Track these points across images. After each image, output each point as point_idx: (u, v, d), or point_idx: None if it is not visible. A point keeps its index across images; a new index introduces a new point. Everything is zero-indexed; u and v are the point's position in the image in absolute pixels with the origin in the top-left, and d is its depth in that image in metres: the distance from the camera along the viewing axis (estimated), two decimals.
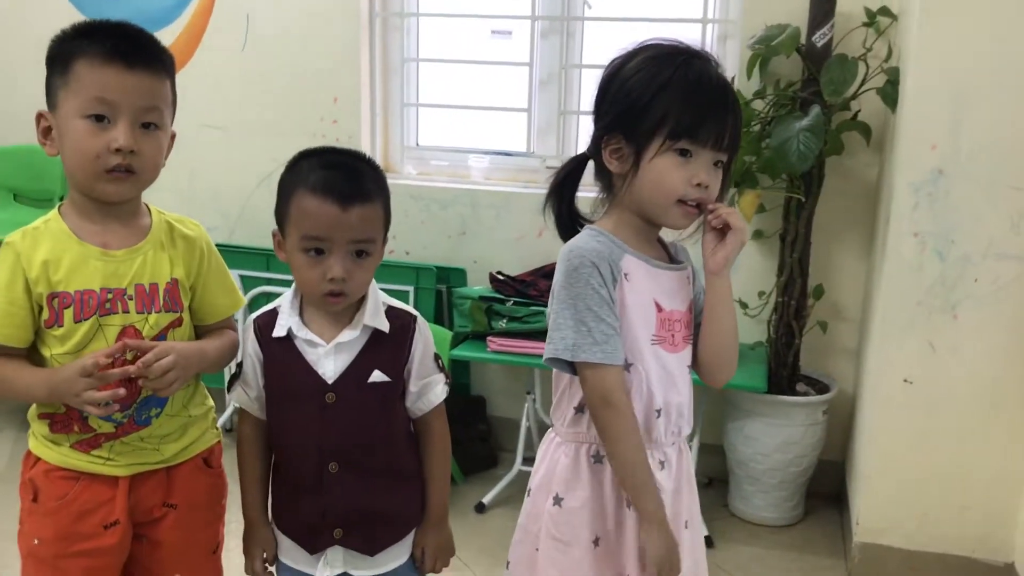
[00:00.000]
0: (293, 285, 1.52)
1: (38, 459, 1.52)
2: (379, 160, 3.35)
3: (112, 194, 1.44)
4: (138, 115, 1.42)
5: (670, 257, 1.53)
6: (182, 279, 1.52)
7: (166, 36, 3.28)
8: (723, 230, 1.43)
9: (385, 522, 1.54)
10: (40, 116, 1.46)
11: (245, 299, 3.15)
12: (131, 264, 1.47)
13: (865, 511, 2.54)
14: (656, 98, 1.39)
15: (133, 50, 1.42)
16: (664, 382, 1.46)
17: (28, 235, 1.46)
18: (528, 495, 1.55)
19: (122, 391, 1.41)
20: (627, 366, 1.43)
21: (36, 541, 1.51)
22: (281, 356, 1.49)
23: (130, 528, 1.53)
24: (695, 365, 1.53)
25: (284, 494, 1.56)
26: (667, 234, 1.53)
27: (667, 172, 1.39)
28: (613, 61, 1.47)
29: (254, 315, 1.54)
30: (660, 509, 1.42)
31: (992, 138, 2.26)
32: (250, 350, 1.52)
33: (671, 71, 1.40)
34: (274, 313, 1.51)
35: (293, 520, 1.55)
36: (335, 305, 1.45)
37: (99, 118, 1.40)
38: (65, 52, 1.42)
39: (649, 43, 1.46)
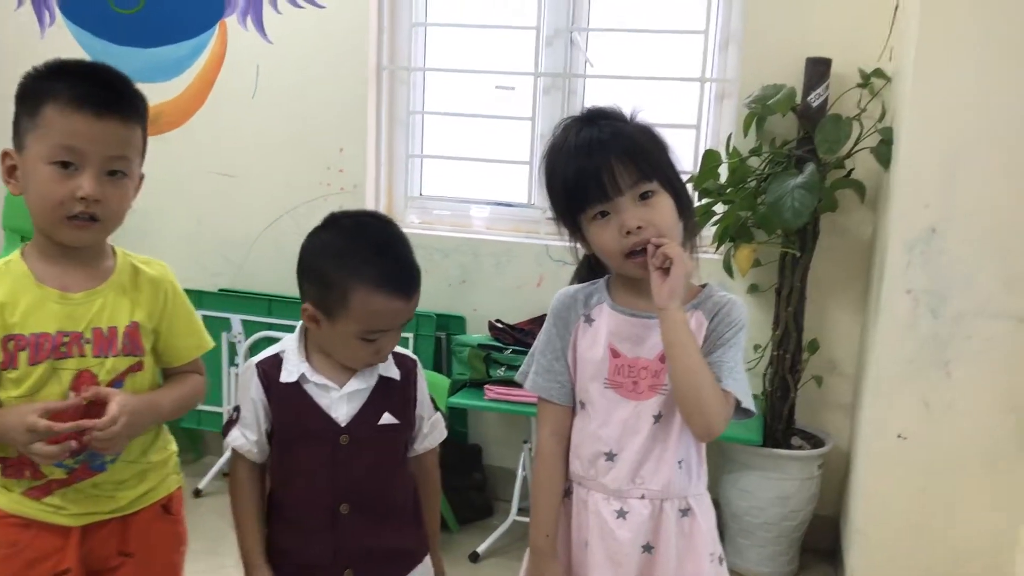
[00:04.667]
0: (296, 331, 1.54)
1: None
2: (384, 209, 3.42)
3: (74, 240, 1.43)
4: (105, 163, 1.38)
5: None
6: (143, 322, 1.48)
7: (179, 84, 3.35)
8: (667, 268, 1.39)
9: (393, 559, 1.57)
10: (5, 154, 1.43)
11: (246, 343, 3.21)
12: (89, 307, 1.44)
13: (859, 567, 2.53)
14: (551, 183, 1.47)
15: (104, 97, 1.37)
16: (617, 427, 1.48)
17: None
18: None
19: (73, 443, 1.38)
20: (582, 405, 1.52)
21: None
22: (291, 400, 1.50)
23: None
24: None
25: (289, 537, 1.54)
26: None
27: (599, 237, 1.44)
28: None
29: (255, 360, 1.53)
30: (537, 541, 1.51)
31: (985, 197, 2.29)
32: (253, 395, 1.51)
33: (551, 154, 1.47)
34: (277, 358, 1.51)
35: (299, 562, 1.54)
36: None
37: (65, 165, 1.36)
38: (36, 92, 1.38)
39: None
